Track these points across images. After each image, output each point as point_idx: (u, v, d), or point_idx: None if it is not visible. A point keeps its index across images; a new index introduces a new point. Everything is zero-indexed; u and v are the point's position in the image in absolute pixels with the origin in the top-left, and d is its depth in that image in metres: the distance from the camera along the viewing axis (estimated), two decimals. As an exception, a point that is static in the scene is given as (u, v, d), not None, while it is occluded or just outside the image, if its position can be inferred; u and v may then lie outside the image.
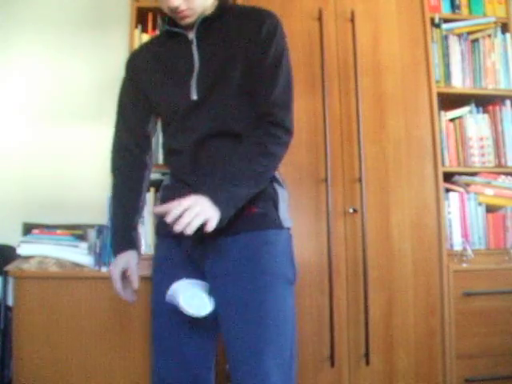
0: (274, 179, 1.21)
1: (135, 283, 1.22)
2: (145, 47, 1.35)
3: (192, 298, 1.11)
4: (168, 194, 1.23)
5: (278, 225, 1.18)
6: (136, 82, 1.28)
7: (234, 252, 1.14)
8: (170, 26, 1.24)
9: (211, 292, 1.16)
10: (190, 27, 1.21)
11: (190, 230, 0.99)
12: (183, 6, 1.16)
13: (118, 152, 1.37)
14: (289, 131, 1.16)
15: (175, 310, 1.12)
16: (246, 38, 1.17)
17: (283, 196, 1.22)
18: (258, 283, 1.11)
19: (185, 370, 1.18)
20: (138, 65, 1.29)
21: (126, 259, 1.24)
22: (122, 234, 1.29)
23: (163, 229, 1.22)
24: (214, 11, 1.21)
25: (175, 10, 1.17)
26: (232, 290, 1.12)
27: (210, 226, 1.00)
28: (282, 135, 1.15)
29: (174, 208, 1.00)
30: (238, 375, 1.09)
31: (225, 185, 1.08)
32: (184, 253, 1.20)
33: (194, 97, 1.16)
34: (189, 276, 1.17)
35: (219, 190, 1.07)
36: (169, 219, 0.99)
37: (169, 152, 1.26)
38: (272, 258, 1.15)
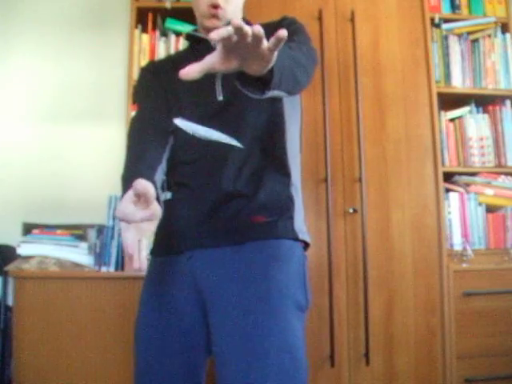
0: (291, 185, 1.12)
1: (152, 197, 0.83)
2: (167, 57, 1.37)
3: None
4: (173, 206, 1.12)
5: (291, 235, 1.06)
6: (159, 81, 1.23)
7: (236, 266, 1.01)
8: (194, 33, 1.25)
9: (208, 311, 1.02)
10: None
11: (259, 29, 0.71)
12: (222, 2, 1.17)
13: (142, 121, 1.17)
14: (316, 64, 1.11)
15: (163, 345, 1.03)
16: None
17: (299, 206, 1.13)
18: (261, 307, 0.96)
19: None
20: (161, 68, 1.26)
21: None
22: (136, 168, 1.00)
23: (158, 247, 1.13)
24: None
25: (214, 3, 1.17)
26: (230, 313, 0.97)
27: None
28: (313, 60, 1.10)
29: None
30: None
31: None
32: (179, 270, 1.08)
33: (220, 97, 1.11)
34: (181, 293, 1.05)
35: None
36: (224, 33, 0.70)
37: (179, 163, 1.16)
38: (281, 277, 1.00)
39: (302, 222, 1.12)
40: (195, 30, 1.27)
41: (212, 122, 1.11)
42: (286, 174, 1.13)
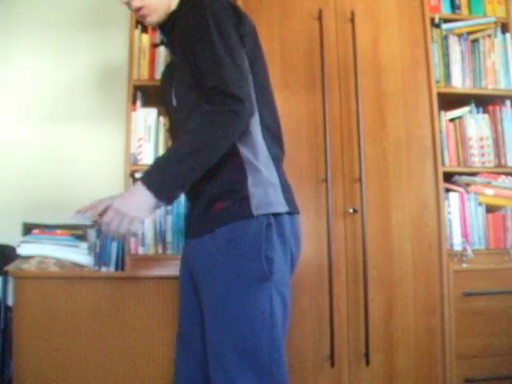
0: (243, 162, 1.11)
1: None
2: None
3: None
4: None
5: (244, 215, 1.08)
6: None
7: (199, 255, 1.16)
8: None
9: None
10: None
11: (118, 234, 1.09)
12: (137, 3, 1.10)
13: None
14: (237, 98, 1.03)
15: (198, 309, 1.19)
16: (182, 34, 1.10)
17: (261, 178, 1.11)
18: (217, 288, 1.10)
19: (202, 368, 1.19)
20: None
21: None
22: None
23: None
24: (177, 6, 1.14)
25: (131, 9, 1.15)
26: (201, 294, 1.17)
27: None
28: (228, 102, 1.03)
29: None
30: None
31: (161, 165, 1.07)
32: (184, 254, 1.31)
33: (174, 103, 1.21)
34: (185, 272, 1.28)
35: (153, 173, 1.07)
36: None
37: None
38: (233, 257, 1.08)
39: (268, 194, 1.11)
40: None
41: (176, 122, 1.25)
42: (234, 153, 1.11)
